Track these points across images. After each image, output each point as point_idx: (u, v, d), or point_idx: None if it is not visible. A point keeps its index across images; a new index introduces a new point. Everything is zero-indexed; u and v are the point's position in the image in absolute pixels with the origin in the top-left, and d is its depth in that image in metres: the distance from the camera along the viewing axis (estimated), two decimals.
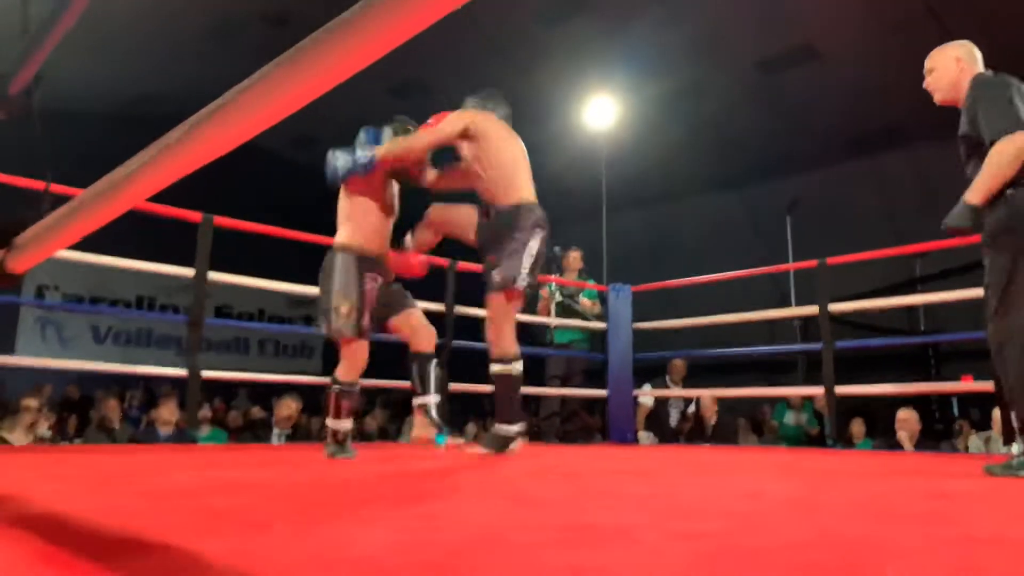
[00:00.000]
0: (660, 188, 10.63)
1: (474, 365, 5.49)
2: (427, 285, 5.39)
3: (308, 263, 7.06)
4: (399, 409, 9.60)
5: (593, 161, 8.93)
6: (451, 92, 10.11)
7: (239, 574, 0.90)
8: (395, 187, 3.41)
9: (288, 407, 5.41)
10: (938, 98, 2.82)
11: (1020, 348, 2.39)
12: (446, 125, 3.18)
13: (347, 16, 0.67)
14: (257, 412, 7.77)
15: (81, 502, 1.57)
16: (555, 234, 7.25)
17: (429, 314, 4.84)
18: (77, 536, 1.16)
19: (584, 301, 5.97)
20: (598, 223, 8.25)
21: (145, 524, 1.26)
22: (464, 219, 3.37)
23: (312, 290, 4.67)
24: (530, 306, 5.81)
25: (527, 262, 3.06)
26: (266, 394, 8.15)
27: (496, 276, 3.07)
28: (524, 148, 3.37)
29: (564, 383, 5.82)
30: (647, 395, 6.22)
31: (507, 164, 3.22)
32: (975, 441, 5.53)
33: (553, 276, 5.93)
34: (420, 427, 3.22)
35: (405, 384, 5.14)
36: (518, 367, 3.13)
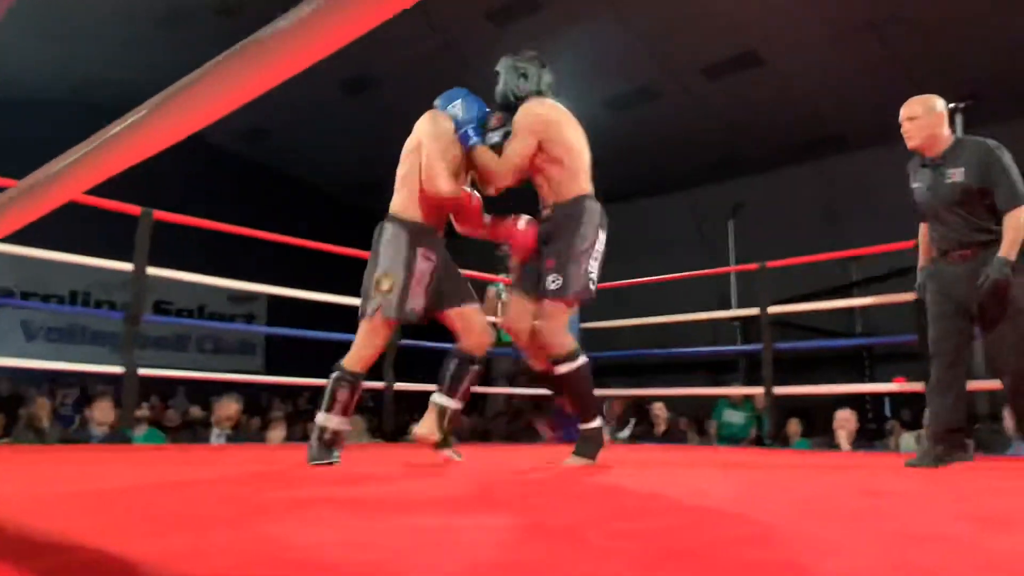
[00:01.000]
0: (607, 189, 10.72)
1: (418, 365, 5.47)
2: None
3: (252, 259, 6.98)
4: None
5: None
6: (403, 88, 10.10)
7: (173, 574, 0.88)
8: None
9: (228, 407, 5.26)
10: (912, 144, 3.05)
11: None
12: (522, 148, 2.85)
13: (301, 10, 0.66)
14: (196, 412, 7.58)
15: (4, 503, 1.51)
16: None
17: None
18: None
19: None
20: None
21: (72, 524, 1.22)
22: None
23: (254, 287, 4.61)
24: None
25: (595, 266, 2.83)
26: (206, 393, 7.97)
27: (565, 283, 2.76)
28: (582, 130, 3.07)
29: (511, 383, 5.83)
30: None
31: (574, 155, 2.95)
32: (907, 440, 5.72)
33: (500, 276, 5.93)
34: (428, 427, 2.83)
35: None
36: (584, 358, 2.84)
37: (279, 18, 0.67)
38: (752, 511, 1.63)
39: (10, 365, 4.82)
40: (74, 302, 11.05)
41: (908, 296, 4.29)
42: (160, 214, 4.02)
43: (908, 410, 7.34)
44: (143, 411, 6.44)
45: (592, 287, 2.80)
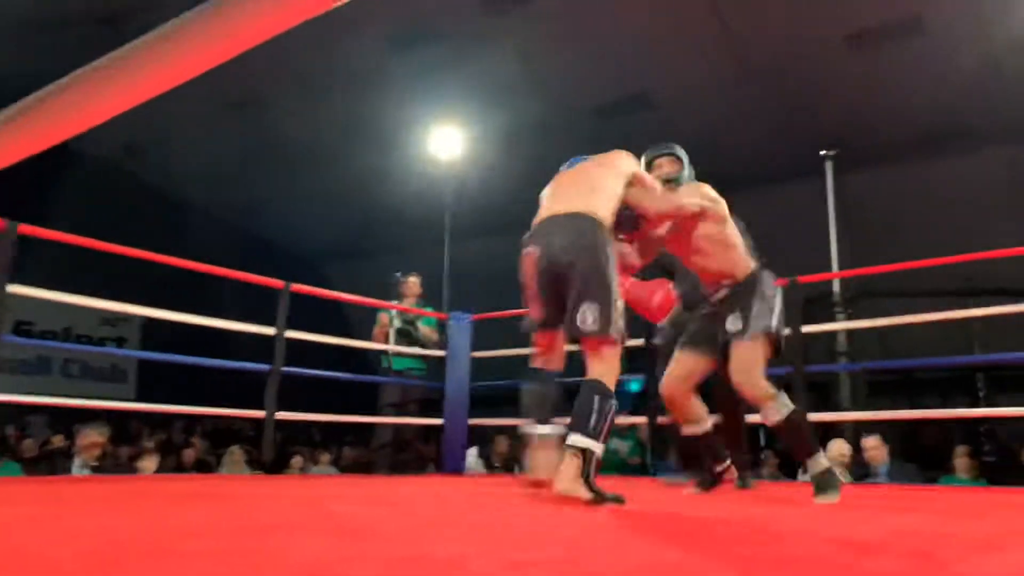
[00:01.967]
0: (502, 220, 10.84)
1: (299, 392, 5.31)
2: (260, 307, 5.17)
3: (125, 278, 6.60)
4: (220, 439, 9.08)
5: (437, 190, 8.98)
6: (292, 109, 9.92)
7: None
8: None
9: (92, 435, 4.89)
10: None
11: None
12: (685, 201, 2.86)
13: (180, 22, 0.63)
14: (59, 441, 7.05)
15: None
16: (397, 261, 7.20)
17: (258, 338, 4.66)
18: None
19: (423, 328, 5.93)
20: (440, 251, 8.28)
21: None
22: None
23: (127, 308, 4.33)
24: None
25: (777, 318, 2.85)
26: (70, 421, 7.43)
27: (749, 326, 2.77)
28: None
29: (399, 411, 5.73)
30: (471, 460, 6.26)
31: (740, 238, 3.01)
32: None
33: (393, 303, 5.86)
34: (569, 480, 2.31)
35: (226, 412, 4.89)
36: (786, 399, 2.77)
37: (154, 30, 0.64)
38: (637, 541, 1.65)
39: None
40: None
41: (784, 331, 4.53)
42: (26, 228, 3.74)
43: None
44: None
45: (782, 332, 2.82)
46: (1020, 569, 1.33)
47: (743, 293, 2.87)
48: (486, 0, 8.22)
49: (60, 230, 3.98)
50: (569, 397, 2.63)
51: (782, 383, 3.33)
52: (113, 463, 5.48)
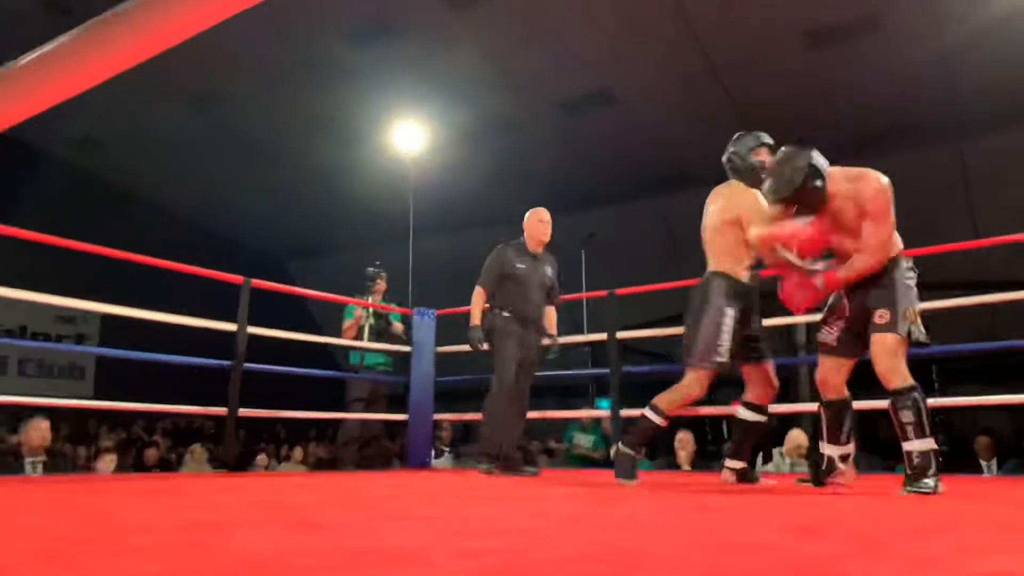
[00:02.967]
0: (466, 215, 10.86)
1: (265, 390, 5.27)
2: (218, 302, 5.11)
3: (83, 275, 6.48)
4: (183, 437, 8.96)
5: (401, 186, 8.95)
6: (253, 104, 9.80)
7: None
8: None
9: (38, 429, 4.69)
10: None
11: None
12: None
13: (125, 8, 0.64)
14: (11, 440, 6.91)
15: None
16: (361, 256, 7.15)
17: (219, 333, 4.61)
18: None
19: (396, 325, 5.93)
20: (405, 247, 8.25)
21: None
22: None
23: (84, 304, 4.26)
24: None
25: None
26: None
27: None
28: None
29: (368, 407, 5.71)
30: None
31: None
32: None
33: (361, 298, 5.85)
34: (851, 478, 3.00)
35: (187, 409, 4.84)
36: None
37: (98, 16, 0.65)
38: (588, 530, 1.68)
39: None
40: None
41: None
42: None
43: None
44: None
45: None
46: (957, 550, 1.38)
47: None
48: None
49: (15, 226, 3.90)
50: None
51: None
52: (69, 463, 5.38)
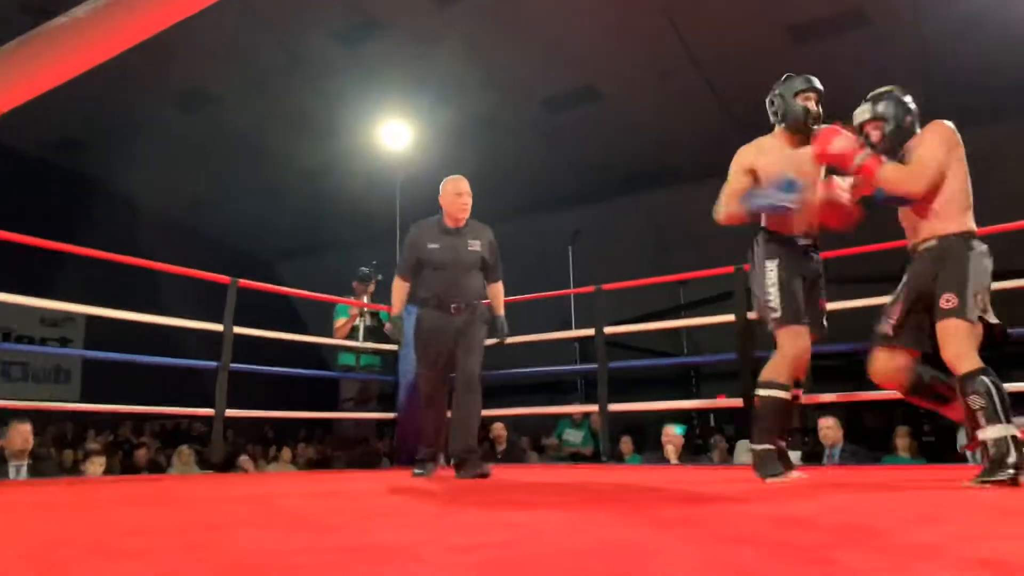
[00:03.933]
0: None
1: (255, 391, 5.25)
2: (205, 302, 5.08)
3: (67, 277, 6.43)
4: (172, 439, 8.91)
5: (388, 184, 8.92)
6: (239, 103, 9.73)
7: None
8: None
9: (19, 432, 4.60)
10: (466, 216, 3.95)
11: None
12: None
13: (95, 5, 0.63)
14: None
15: None
16: (350, 255, 7.12)
17: (204, 334, 4.58)
18: None
19: (388, 324, 5.92)
20: (392, 246, 8.23)
21: None
22: None
23: (70, 307, 4.22)
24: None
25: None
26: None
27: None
28: None
29: (360, 407, 5.70)
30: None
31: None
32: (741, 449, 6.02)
33: (351, 298, 5.85)
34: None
35: (174, 410, 4.81)
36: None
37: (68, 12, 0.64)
38: (579, 524, 1.69)
39: None
40: None
41: (730, 318, 4.65)
42: None
43: (732, 425, 7.88)
44: None
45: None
46: (954, 537, 1.40)
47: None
48: None
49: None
50: None
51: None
52: (56, 466, 5.33)
